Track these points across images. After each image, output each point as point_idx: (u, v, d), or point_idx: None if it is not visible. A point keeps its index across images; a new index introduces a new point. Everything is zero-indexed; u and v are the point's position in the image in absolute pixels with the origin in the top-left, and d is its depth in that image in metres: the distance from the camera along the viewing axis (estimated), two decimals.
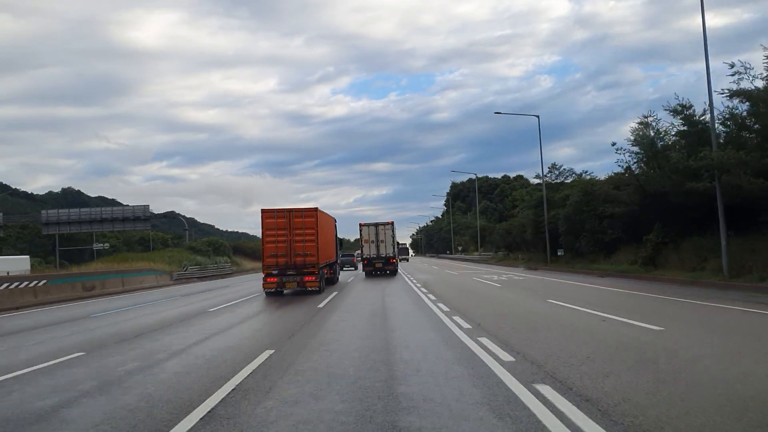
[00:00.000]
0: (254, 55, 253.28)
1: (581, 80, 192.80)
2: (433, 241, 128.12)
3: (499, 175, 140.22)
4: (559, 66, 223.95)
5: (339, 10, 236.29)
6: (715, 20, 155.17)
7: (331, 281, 30.35)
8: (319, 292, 23.62)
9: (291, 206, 23.64)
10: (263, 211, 23.31)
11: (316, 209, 23.61)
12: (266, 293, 23.53)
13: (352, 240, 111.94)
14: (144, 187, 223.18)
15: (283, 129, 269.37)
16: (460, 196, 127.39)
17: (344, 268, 48.53)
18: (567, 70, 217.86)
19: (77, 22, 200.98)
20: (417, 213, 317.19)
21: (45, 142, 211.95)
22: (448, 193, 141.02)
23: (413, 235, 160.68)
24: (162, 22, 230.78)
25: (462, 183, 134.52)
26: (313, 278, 22.89)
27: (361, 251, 37.94)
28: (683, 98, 26.09)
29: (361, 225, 37.66)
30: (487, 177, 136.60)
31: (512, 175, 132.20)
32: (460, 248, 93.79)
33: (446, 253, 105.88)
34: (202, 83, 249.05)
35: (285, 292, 24.08)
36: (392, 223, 38.04)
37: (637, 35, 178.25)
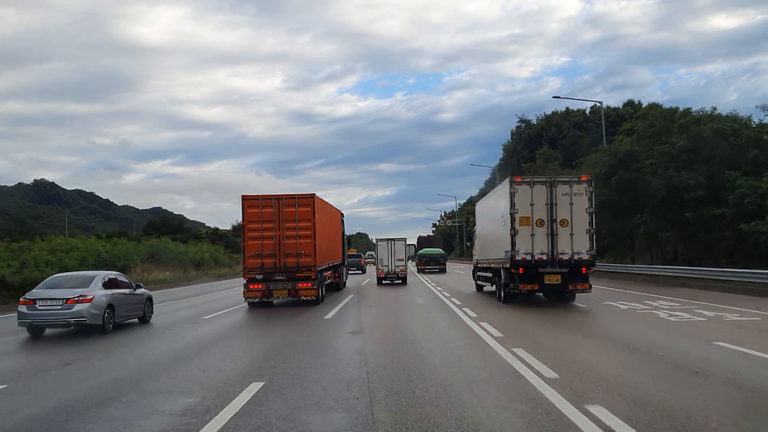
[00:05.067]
0: (260, 52, 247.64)
1: (589, 81, 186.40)
2: None
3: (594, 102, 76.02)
4: (567, 67, 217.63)
5: (347, 7, 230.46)
6: (727, 21, 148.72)
7: (336, 287, 25.22)
8: (316, 302, 18.44)
9: (281, 193, 18.40)
10: (244, 198, 18.23)
11: (313, 196, 18.46)
12: (249, 304, 18.37)
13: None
14: (134, 183, 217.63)
15: (288, 128, 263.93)
16: (535, 141, 71.86)
17: (350, 271, 41.83)
18: (576, 72, 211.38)
19: (81, 16, 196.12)
20: (421, 215, 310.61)
21: (47, 137, 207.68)
22: (504, 145, 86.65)
23: (441, 223, 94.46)
24: (167, 18, 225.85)
25: (539, 122, 79.82)
26: (309, 285, 17.87)
27: (512, 242, 16.33)
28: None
29: (515, 182, 16.60)
30: (581, 110, 77.36)
31: (615, 104, 73.79)
32: None
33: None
34: (207, 80, 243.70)
35: (274, 302, 18.92)
36: (588, 180, 16.60)
37: (647, 36, 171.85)
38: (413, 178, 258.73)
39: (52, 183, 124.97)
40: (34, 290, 13.40)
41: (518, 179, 16.76)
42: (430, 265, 44.83)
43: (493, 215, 19.20)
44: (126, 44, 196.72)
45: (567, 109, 79.52)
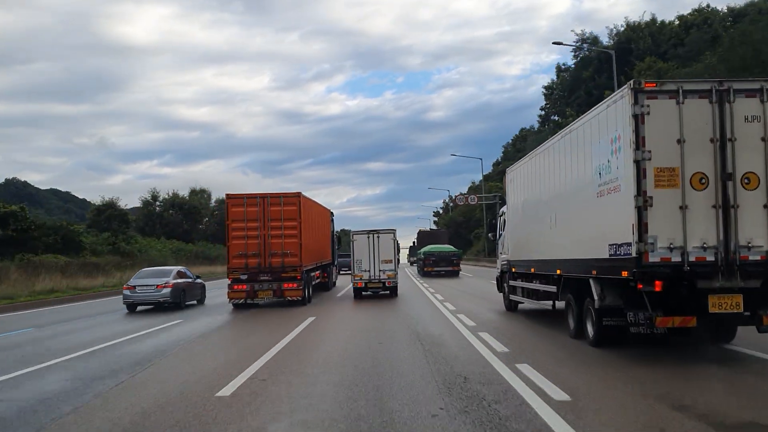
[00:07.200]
0: (248, 51, 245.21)
1: None
2: None
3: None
4: (556, 64, 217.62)
5: (336, 5, 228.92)
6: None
7: (325, 287, 24.90)
8: (303, 303, 18.12)
9: (266, 192, 18.09)
10: (228, 196, 17.99)
11: (298, 194, 18.20)
12: (233, 305, 18.06)
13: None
14: (120, 184, 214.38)
15: (276, 127, 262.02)
16: (616, 60, 33.98)
17: (341, 271, 37.57)
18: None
19: (66, 15, 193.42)
20: (411, 213, 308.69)
21: (31, 139, 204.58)
22: (548, 86, 64.49)
23: (462, 202, 67.81)
24: (154, 17, 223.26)
25: (619, 36, 54.80)
26: (295, 285, 17.62)
27: (640, 223, 7.50)
28: None
29: (643, 91, 7.65)
30: (687, 15, 53.70)
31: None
32: None
33: None
34: (194, 79, 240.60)
35: (260, 303, 18.59)
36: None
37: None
38: (403, 177, 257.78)
39: (25, 182, 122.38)
40: (131, 280, 18.73)
41: (651, 85, 7.79)
42: (440, 265, 35.45)
43: (566, 174, 10.33)
44: (112, 44, 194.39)
45: (653, 18, 52.29)
